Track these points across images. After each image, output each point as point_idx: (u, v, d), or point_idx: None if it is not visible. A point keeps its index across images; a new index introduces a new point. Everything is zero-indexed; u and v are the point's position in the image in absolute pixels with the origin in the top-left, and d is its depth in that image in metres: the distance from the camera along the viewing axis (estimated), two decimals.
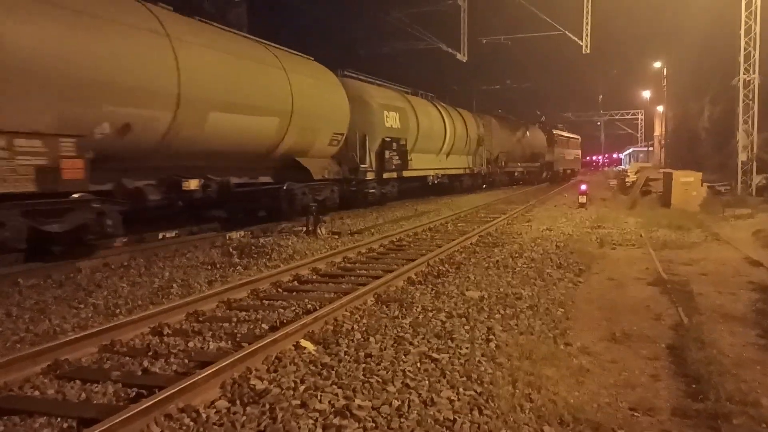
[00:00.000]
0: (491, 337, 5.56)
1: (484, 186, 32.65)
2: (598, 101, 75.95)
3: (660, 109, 48.27)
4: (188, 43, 10.72)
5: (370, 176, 19.28)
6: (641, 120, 73.17)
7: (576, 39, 24.87)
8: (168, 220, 12.46)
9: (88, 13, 8.89)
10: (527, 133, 40.33)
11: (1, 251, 7.97)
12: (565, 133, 52.46)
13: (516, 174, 38.83)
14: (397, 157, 20.47)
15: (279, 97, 13.42)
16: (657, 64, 44.12)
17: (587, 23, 23.97)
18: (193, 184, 11.20)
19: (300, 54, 15.79)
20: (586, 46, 24.39)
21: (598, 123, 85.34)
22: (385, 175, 20.05)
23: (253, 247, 10.67)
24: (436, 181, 25.00)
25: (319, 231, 12.91)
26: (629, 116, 76.90)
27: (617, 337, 5.73)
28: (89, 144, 8.62)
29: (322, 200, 15.91)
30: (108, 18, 9.20)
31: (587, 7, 23.68)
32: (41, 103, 8.07)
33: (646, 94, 56.63)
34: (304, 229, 13.15)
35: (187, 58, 10.50)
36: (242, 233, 12.39)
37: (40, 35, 8.03)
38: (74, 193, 8.69)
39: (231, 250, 10.50)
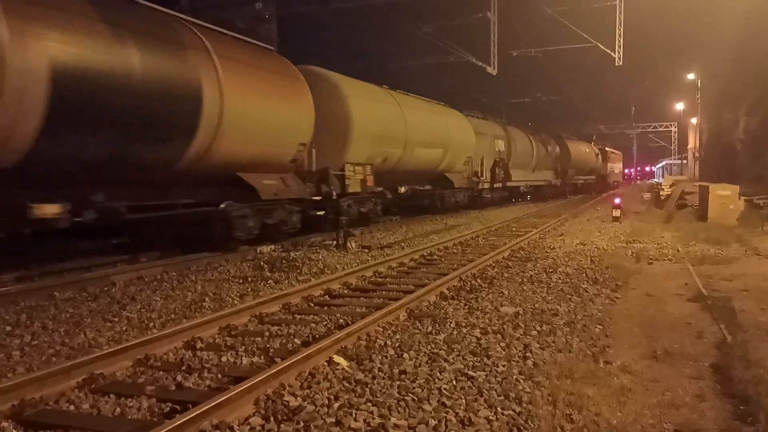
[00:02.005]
0: (528, 354, 5.44)
1: (563, 197, 39.80)
2: (630, 113, 75.07)
3: (694, 121, 47.43)
4: (407, 106, 18.94)
5: (485, 186, 27.30)
6: (674, 132, 72.05)
7: (608, 51, 24.57)
8: None
9: (376, 99, 17.43)
10: (587, 150, 47.84)
11: (348, 220, 14.39)
12: (613, 150, 60.57)
13: (578, 185, 46.79)
14: (502, 173, 28.47)
15: (442, 135, 21.37)
16: (690, 76, 43.28)
17: (620, 35, 23.67)
18: (402, 189, 19.64)
19: (442, 103, 23.70)
20: (619, 58, 24.06)
21: (631, 135, 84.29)
22: (495, 185, 28.32)
23: (284, 261, 10.68)
24: (526, 190, 33.90)
25: (349, 245, 12.89)
26: (662, 128, 75.72)
27: (658, 355, 5.55)
28: (373, 168, 16.46)
29: (458, 201, 24.05)
30: (382, 101, 17.71)
31: (619, 18, 23.40)
32: (364, 148, 16.07)
33: (680, 106, 55.74)
34: (334, 243, 13.15)
35: (408, 116, 18.52)
36: (272, 247, 12.44)
37: (369, 115, 16.19)
38: (368, 193, 16.59)
39: (262, 263, 10.52)
